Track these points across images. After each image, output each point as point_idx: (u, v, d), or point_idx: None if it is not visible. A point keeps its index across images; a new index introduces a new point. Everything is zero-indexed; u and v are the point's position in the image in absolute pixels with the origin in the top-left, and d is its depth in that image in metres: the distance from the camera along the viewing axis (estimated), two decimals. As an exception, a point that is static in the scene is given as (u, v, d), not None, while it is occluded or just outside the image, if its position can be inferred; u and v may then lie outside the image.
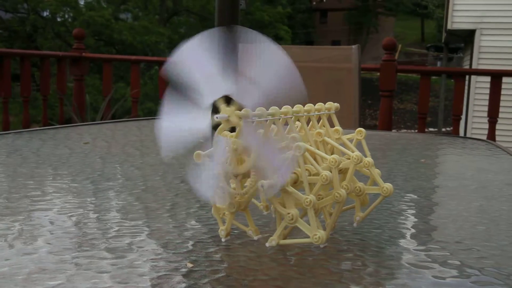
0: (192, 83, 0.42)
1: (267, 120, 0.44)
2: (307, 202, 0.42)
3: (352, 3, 27.29)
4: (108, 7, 14.25)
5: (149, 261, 0.42)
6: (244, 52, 0.41)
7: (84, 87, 3.61)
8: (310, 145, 0.48)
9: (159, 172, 0.79)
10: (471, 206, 0.65)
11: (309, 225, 0.42)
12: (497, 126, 3.08)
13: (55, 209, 0.57)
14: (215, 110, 0.42)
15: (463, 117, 4.67)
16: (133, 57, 3.67)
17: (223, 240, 0.47)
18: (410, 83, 16.48)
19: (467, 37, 8.82)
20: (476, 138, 1.31)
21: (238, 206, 0.46)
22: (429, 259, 0.45)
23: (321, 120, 0.52)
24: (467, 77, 4.45)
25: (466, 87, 5.35)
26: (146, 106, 10.10)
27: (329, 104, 0.52)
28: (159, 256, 0.43)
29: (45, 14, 14.55)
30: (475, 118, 7.37)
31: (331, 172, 0.44)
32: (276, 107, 0.45)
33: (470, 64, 7.87)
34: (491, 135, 3.04)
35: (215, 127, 0.44)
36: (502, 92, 3.07)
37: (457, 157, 1.09)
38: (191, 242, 0.47)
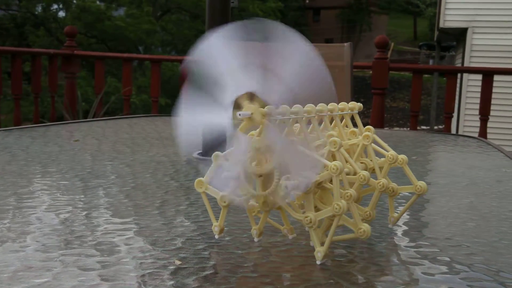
0: (216, 77, 0.39)
1: (290, 119, 0.42)
2: (347, 196, 0.41)
3: (345, 1, 27.32)
4: (100, 5, 14.20)
5: (137, 258, 0.42)
6: (270, 48, 0.39)
7: (76, 85, 3.58)
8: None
9: (150, 170, 0.78)
10: (462, 202, 0.65)
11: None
12: (489, 124, 3.09)
13: (43, 207, 0.56)
14: (237, 106, 0.40)
15: (455, 114, 4.68)
16: (125, 55, 3.64)
17: (255, 240, 0.46)
18: (402, 81, 16.51)
19: (459, 35, 8.85)
20: (467, 136, 1.31)
21: (266, 205, 0.44)
22: (419, 256, 0.45)
23: (344, 120, 0.50)
24: (459, 75, 4.47)
25: (458, 85, 5.37)
26: (142, 98, 10.01)
27: (352, 104, 0.50)
28: (148, 254, 0.43)
29: (37, 11, 14.48)
30: (467, 116, 7.39)
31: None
32: (300, 106, 0.42)
33: (462, 62, 7.90)
34: (483, 132, 3.05)
35: (237, 124, 0.41)
36: (494, 90, 3.08)
37: (449, 154, 1.09)
38: (180, 240, 0.47)
